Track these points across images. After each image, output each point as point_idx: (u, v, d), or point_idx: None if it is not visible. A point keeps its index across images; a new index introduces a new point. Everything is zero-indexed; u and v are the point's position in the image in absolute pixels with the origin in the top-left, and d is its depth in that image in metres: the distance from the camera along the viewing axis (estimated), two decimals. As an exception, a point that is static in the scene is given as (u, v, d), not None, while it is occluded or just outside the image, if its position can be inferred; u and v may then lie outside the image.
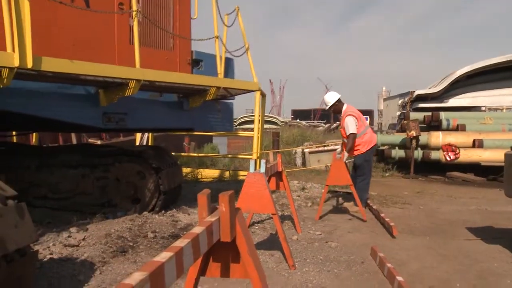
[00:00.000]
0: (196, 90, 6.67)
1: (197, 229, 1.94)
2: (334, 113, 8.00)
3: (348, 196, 8.35)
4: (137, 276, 1.41)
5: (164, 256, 1.61)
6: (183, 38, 6.75)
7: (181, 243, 1.76)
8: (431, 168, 12.92)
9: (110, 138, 15.72)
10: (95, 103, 5.77)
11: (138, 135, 12.65)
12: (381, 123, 29.58)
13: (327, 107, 7.75)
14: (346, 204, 7.75)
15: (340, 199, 8.72)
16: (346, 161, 7.21)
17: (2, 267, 2.97)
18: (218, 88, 6.65)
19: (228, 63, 7.61)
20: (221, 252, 2.33)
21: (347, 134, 7.32)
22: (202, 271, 2.36)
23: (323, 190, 9.47)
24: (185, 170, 11.22)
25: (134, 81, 5.43)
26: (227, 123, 8.39)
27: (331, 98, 7.63)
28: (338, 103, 7.58)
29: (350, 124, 7.28)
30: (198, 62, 7.19)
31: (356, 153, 7.42)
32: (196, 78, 6.57)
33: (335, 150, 14.75)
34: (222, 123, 8.09)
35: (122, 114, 6.09)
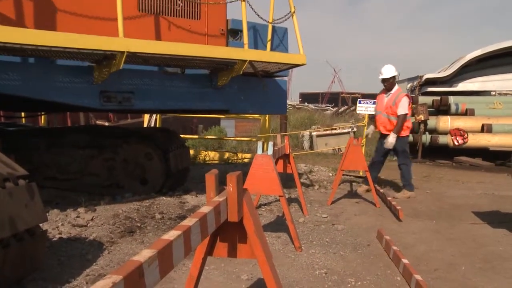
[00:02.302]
0: (221, 64, 5.79)
1: (205, 209, 1.97)
2: (385, 86, 7.52)
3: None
4: (146, 253, 1.43)
5: (172, 234, 1.64)
6: (211, 4, 5.84)
7: (189, 222, 1.79)
8: (439, 153, 12.87)
9: (118, 119, 15.80)
10: (89, 80, 5.20)
11: (146, 117, 12.66)
12: (389, 107, 29.35)
13: (381, 77, 7.37)
14: (396, 194, 7.43)
15: (348, 183, 8.74)
16: (392, 143, 7.07)
17: (12, 246, 3.02)
18: (244, 61, 5.60)
19: (276, 33, 6.57)
20: (228, 232, 2.36)
21: (401, 113, 7.07)
22: (209, 251, 2.39)
23: (330, 174, 9.52)
24: (193, 152, 11.27)
25: (119, 54, 4.74)
26: (277, 104, 7.15)
27: (389, 71, 7.30)
28: (393, 80, 7.34)
29: (405, 105, 7.08)
30: (236, 32, 6.20)
31: (400, 135, 7.18)
32: (203, 49, 5.42)
33: (342, 133, 14.85)
34: (269, 104, 6.98)
35: (127, 92, 5.50)
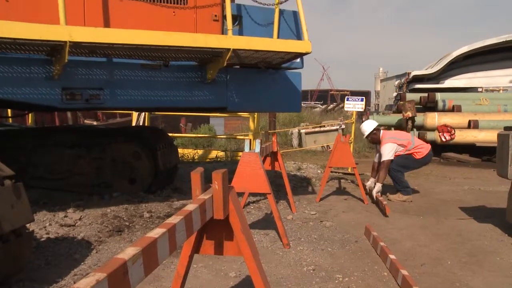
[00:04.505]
0: (202, 54, 5.08)
1: (190, 207, 1.98)
2: (371, 142, 7.45)
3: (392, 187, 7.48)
4: (130, 251, 1.44)
5: (157, 232, 1.64)
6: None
7: (174, 220, 1.80)
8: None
9: (107, 118, 15.76)
10: (48, 75, 4.67)
11: (135, 116, 12.59)
12: (378, 104, 29.62)
13: (364, 136, 7.32)
14: (390, 196, 7.11)
15: (337, 180, 8.78)
16: (377, 193, 6.69)
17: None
18: (227, 50, 4.82)
19: (283, 16, 5.78)
20: (215, 230, 2.37)
21: (383, 160, 6.83)
22: (196, 249, 2.40)
23: (319, 171, 9.56)
24: (182, 151, 11.25)
25: (63, 44, 4.21)
26: (288, 101, 6.25)
27: (368, 126, 7.15)
28: (376, 132, 7.12)
29: (385, 151, 6.84)
30: (235, 18, 5.44)
31: (413, 155, 6.98)
32: (168, 37, 4.62)
33: (331, 130, 14.91)
34: (278, 100, 6.12)
35: (95, 89, 4.96)
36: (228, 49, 4.83)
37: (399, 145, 6.91)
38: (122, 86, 5.17)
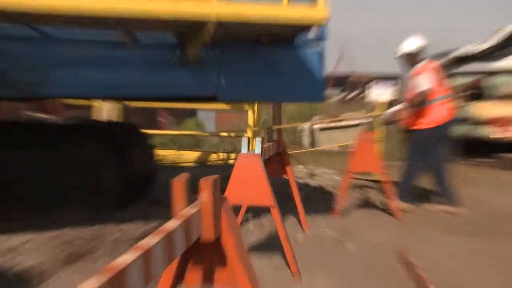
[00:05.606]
0: (179, 25, 4.62)
1: (171, 224, 1.96)
2: (410, 64, 7.06)
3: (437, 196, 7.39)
4: (91, 284, 1.41)
5: (127, 258, 1.61)
6: None
7: (150, 241, 1.76)
8: (476, 148, 12.93)
9: (58, 111, 15.72)
10: None
11: (97, 106, 12.51)
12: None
13: (402, 52, 7.04)
14: (438, 207, 7.12)
15: (359, 189, 8.77)
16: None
17: None
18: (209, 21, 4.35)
19: None
20: (203, 254, 2.35)
21: (420, 91, 6.73)
22: (179, 279, 2.37)
23: (337, 178, 9.56)
24: (161, 152, 11.25)
25: None
26: (304, 88, 5.72)
27: (411, 44, 6.96)
28: (418, 54, 6.94)
29: (423, 80, 6.71)
30: None
31: (415, 127, 6.94)
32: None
33: (351, 126, 14.90)
34: (290, 88, 5.64)
35: (34, 72, 4.74)
36: (211, 21, 4.42)
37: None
38: (72, 69, 4.91)
